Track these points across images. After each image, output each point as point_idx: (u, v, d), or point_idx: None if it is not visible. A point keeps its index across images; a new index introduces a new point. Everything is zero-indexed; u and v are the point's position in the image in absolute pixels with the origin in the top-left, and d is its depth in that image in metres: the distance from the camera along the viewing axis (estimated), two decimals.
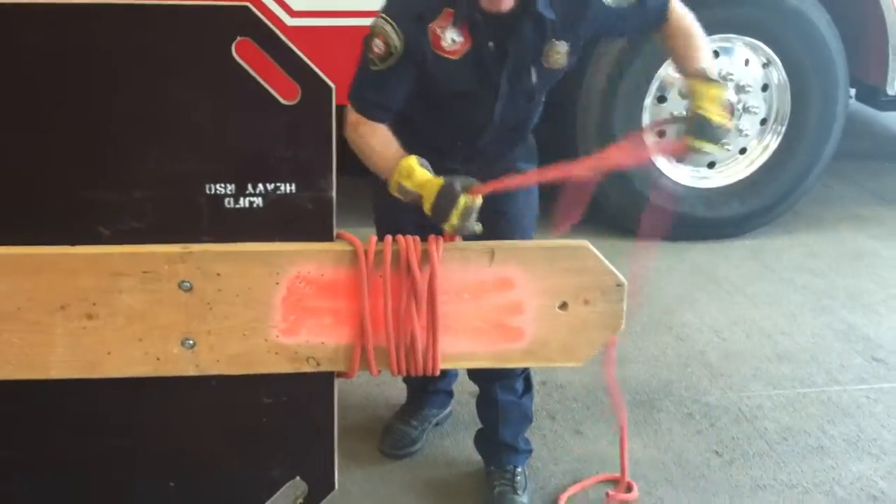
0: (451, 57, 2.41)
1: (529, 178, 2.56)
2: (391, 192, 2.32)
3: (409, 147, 2.38)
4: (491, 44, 2.42)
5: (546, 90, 2.62)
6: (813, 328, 3.90)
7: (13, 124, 2.04)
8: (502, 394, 2.78)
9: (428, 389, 3.14)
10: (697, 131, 2.39)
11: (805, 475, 2.97)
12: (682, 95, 4.41)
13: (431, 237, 2.19)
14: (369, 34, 2.39)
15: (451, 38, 2.39)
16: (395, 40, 2.34)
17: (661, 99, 4.50)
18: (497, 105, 2.51)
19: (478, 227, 2.22)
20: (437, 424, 3.17)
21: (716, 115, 2.39)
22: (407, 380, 3.12)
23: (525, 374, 2.81)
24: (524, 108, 2.60)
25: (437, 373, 2.24)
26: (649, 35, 2.68)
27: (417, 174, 2.27)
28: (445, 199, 2.21)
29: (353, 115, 2.44)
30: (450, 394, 3.22)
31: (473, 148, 2.59)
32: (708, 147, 2.41)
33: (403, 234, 2.18)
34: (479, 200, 2.22)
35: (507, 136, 2.63)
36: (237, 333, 2.18)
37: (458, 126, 2.56)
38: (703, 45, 2.54)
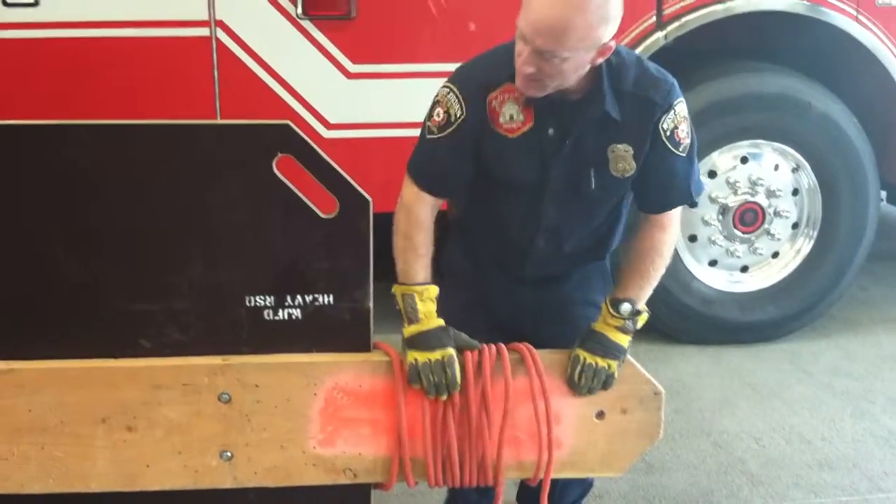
0: (507, 135, 2.28)
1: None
2: (394, 289, 2.29)
3: (467, 255, 2.41)
4: (551, 130, 2.27)
5: (609, 205, 2.42)
6: (853, 434, 3.83)
7: (58, 238, 2.10)
8: None
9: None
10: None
11: None
12: None
13: (485, 346, 2.20)
14: (433, 103, 2.32)
15: (509, 115, 2.26)
16: (457, 109, 2.25)
17: None
18: (547, 206, 2.35)
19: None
20: None
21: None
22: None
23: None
24: (581, 220, 2.41)
25: (475, 484, 2.22)
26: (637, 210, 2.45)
27: (430, 305, 2.26)
28: (433, 339, 2.21)
29: (406, 192, 2.34)
30: None
31: (527, 260, 2.43)
32: None
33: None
34: (456, 364, 2.20)
35: (571, 256, 2.47)
36: (275, 445, 2.19)
37: (507, 231, 2.41)
38: (646, 281, 2.33)
